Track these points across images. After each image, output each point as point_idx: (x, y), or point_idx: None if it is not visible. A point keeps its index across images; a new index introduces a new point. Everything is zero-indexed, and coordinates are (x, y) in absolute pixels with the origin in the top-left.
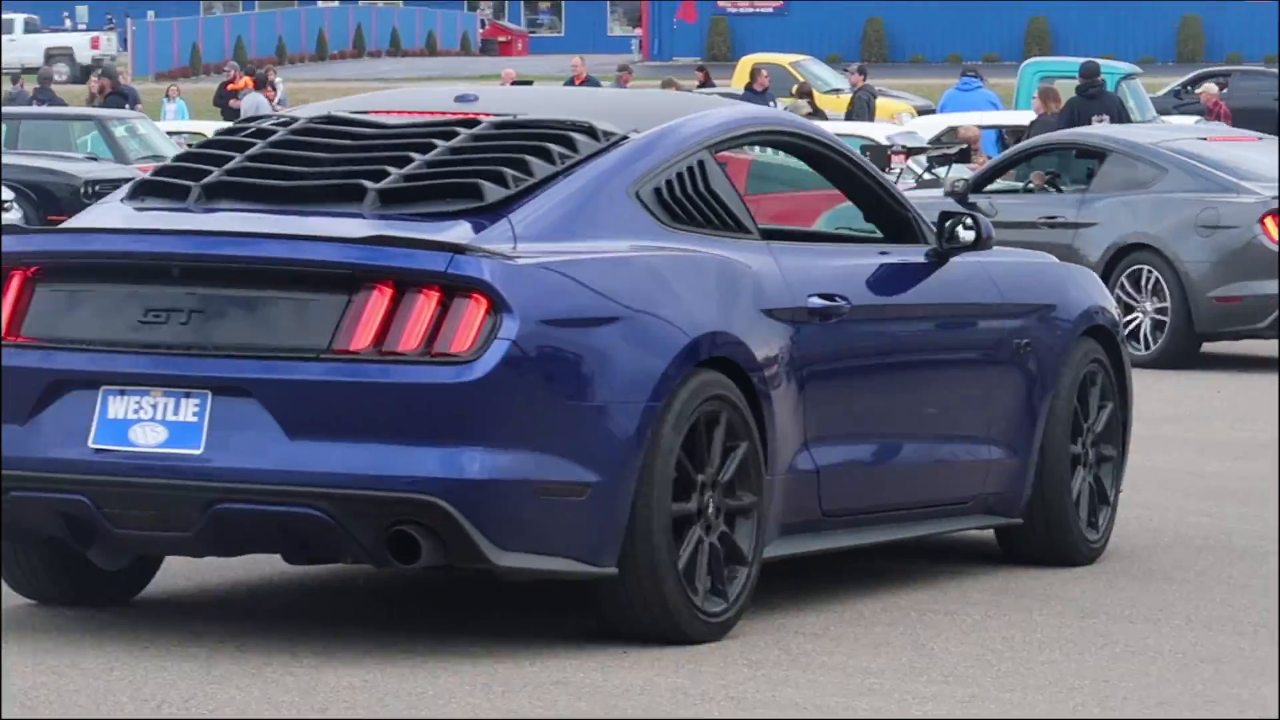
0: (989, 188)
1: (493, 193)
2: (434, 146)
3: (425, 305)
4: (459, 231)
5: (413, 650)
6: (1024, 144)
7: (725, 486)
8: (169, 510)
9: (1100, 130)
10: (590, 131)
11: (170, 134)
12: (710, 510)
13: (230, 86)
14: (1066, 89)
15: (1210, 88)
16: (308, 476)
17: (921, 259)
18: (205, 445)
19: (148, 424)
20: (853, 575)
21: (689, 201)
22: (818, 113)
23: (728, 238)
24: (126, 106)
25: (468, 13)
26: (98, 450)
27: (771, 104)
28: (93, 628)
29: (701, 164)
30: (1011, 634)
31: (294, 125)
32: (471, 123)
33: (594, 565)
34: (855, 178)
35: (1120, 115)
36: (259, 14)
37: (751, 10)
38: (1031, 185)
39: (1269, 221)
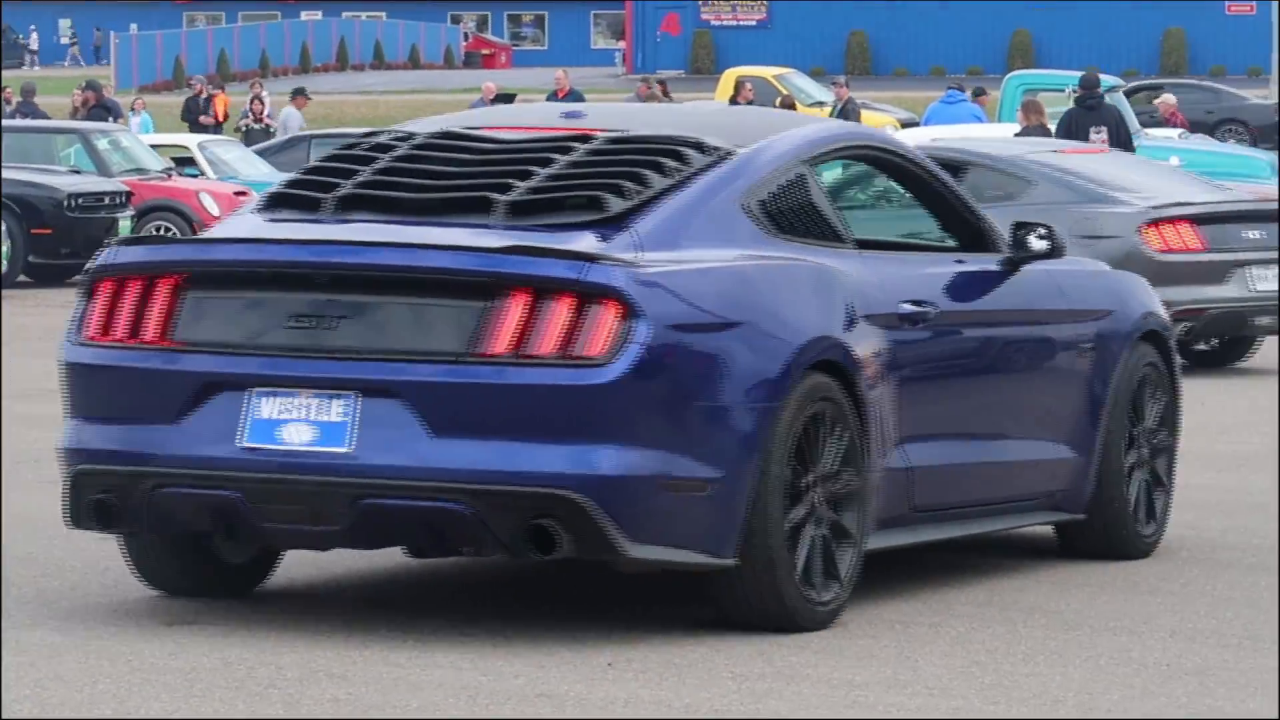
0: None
1: (614, 205)
2: (552, 161)
3: (561, 311)
4: (586, 242)
5: (396, 663)
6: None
7: (831, 481)
8: (318, 505)
9: (956, 143)
10: (700, 146)
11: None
12: (819, 504)
13: (218, 116)
14: (1049, 101)
15: (1169, 98)
16: (451, 473)
17: (995, 267)
18: (353, 443)
19: (297, 424)
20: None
21: (791, 212)
22: None
23: (827, 247)
24: (110, 120)
25: (451, 26)
26: (248, 449)
27: None
28: (78, 641)
29: (801, 177)
30: (996, 646)
31: (414, 140)
32: (585, 138)
33: (716, 557)
34: (934, 190)
35: (1119, 127)
36: (242, 27)
37: (735, 23)
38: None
39: (1149, 231)
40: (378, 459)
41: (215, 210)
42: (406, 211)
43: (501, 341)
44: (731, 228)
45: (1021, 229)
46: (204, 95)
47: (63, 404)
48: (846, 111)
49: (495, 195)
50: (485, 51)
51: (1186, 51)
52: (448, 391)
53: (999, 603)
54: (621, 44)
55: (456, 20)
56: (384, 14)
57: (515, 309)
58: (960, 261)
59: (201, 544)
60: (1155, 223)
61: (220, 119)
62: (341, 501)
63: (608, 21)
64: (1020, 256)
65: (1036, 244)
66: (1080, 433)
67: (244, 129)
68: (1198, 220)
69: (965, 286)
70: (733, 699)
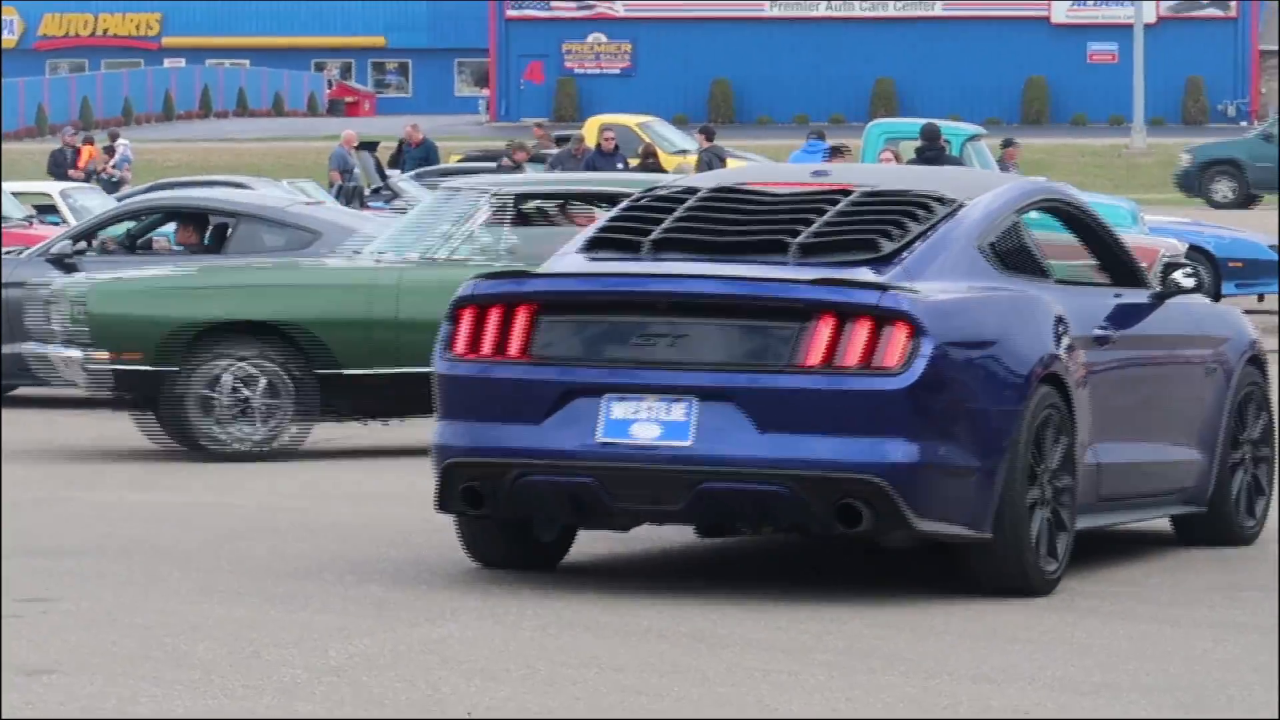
0: (77, 247)
1: (886, 245)
2: (825, 210)
3: (863, 331)
4: (869, 275)
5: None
6: (122, 205)
7: (1054, 473)
8: (663, 489)
9: (221, 194)
10: (940, 199)
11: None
12: (1047, 492)
13: (79, 165)
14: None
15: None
16: (776, 461)
17: (1148, 299)
18: (693, 438)
19: (645, 423)
20: (694, 635)
21: (1011, 252)
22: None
23: (1038, 281)
24: None
25: (314, 74)
26: (603, 443)
27: (620, 165)
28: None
29: (1016, 224)
30: (855, 694)
31: (700, 194)
32: (845, 192)
33: (977, 531)
34: (1101, 237)
35: None
36: (105, 74)
37: (599, 71)
38: (110, 247)
39: None
40: (714, 450)
41: None
42: (712, 251)
43: (815, 355)
44: (972, 264)
45: (1170, 268)
46: (71, 147)
47: (436, 408)
48: (706, 159)
49: (787, 238)
50: (348, 99)
51: (1049, 99)
52: (772, 396)
53: (859, 650)
54: (485, 92)
55: (320, 68)
56: (248, 61)
57: (825, 329)
58: (1119, 295)
59: (520, 526)
60: None
61: (83, 170)
62: (683, 486)
63: (471, 69)
64: (1168, 291)
65: (1185, 281)
66: (1206, 436)
67: (101, 177)
68: None
69: (1130, 315)
70: None
